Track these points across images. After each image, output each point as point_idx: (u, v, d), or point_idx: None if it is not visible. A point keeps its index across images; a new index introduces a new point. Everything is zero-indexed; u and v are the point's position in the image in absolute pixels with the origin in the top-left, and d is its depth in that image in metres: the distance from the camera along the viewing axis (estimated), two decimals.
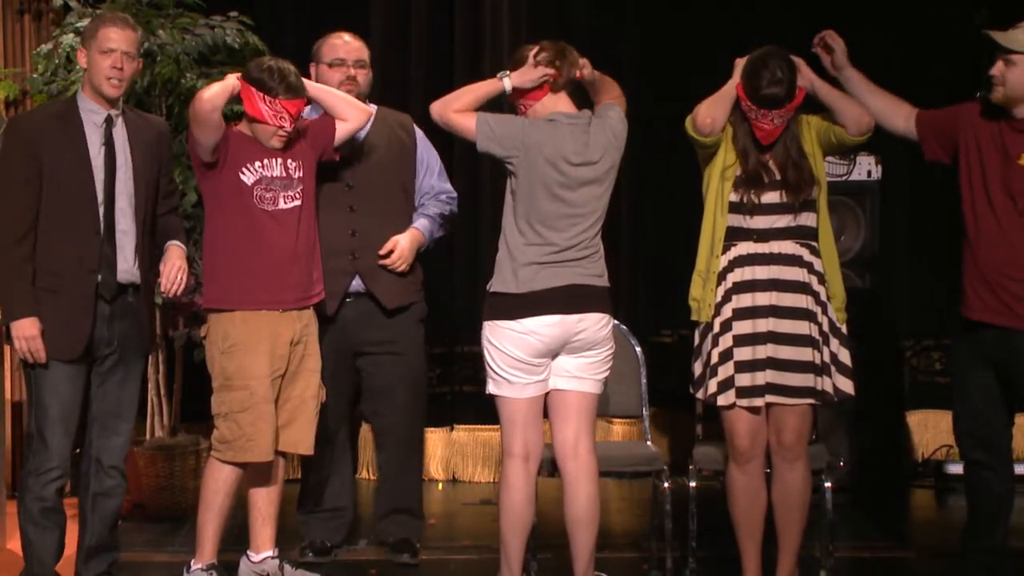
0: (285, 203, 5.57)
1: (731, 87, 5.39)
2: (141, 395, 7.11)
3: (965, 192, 5.44)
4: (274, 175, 5.56)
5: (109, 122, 5.33)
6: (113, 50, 5.31)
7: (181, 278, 5.45)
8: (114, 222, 5.32)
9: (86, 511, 5.48)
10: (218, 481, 5.58)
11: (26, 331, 5.23)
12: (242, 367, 5.51)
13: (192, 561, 5.66)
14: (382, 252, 5.97)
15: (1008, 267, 5.33)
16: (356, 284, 6.01)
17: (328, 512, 6.24)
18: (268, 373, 5.53)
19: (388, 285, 5.99)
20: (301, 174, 5.62)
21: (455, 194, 6.31)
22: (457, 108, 5.29)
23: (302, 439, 5.69)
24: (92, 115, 5.31)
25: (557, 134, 5.26)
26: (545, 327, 5.23)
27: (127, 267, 5.37)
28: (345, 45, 6.11)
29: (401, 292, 6.07)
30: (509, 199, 5.30)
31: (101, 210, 5.30)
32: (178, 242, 5.56)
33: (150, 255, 5.48)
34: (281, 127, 5.50)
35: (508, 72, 5.35)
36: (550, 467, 5.55)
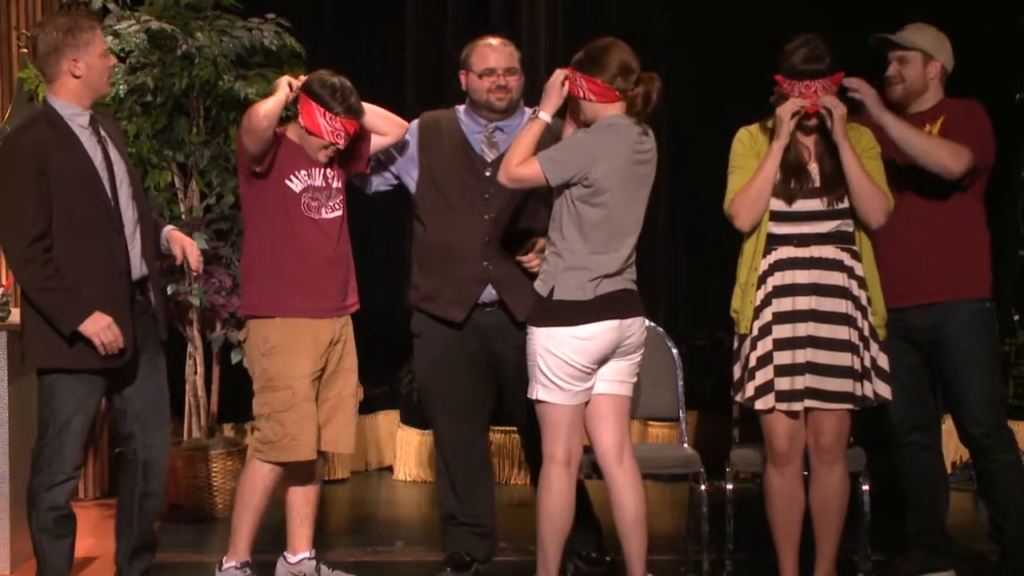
0: (327, 213, 5.60)
1: (764, 180, 5.37)
2: (179, 396, 7.20)
3: None
4: (316, 185, 5.58)
5: (94, 122, 5.28)
6: (110, 51, 5.30)
7: (199, 256, 5.44)
8: (122, 220, 5.28)
9: (133, 512, 5.45)
10: (256, 481, 5.61)
11: (99, 326, 5.11)
12: (284, 368, 5.53)
13: (225, 558, 5.69)
14: (524, 253, 5.72)
15: (910, 248, 5.64)
16: (488, 293, 5.83)
17: (467, 526, 6.03)
18: (309, 373, 5.56)
19: (522, 296, 5.62)
20: (339, 184, 5.66)
21: None
22: (517, 162, 5.25)
23: (342, 437, 5.72)
24: (77, 118, 5.23)
25: (620, 136, 5.26)
26: (606, 332, 5.24)
27: (136, 264, 5.32)
28: (494, 52, 5.84)
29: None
30: (570, 206, 5.25)
31: (113, 209, 5.25)
32: (172, 225, 5.53)
33: (154, 245, 5.44)
34: (335, 144, 5.52)
35: (536, 109, 5.31)
36: (589, 469, 5.57)
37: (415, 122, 5.99)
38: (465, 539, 6.02)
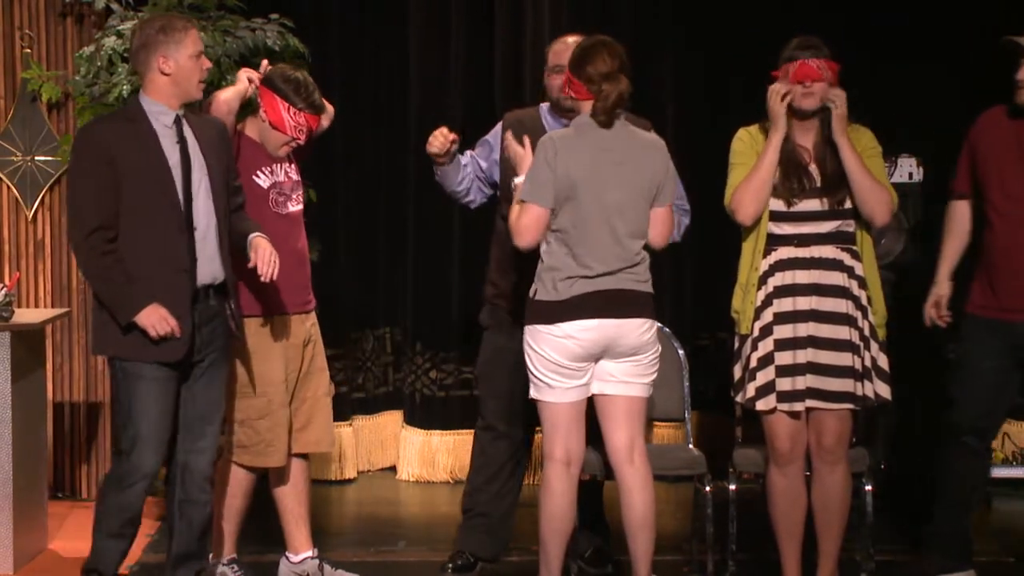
0: (292, 206, 5.67)
1: (766, 171, 5.38)
2: None
3: (989, 194, 5.65)
4: (280, 180, 5.65)
5: (179, 122, 5.29)
6: (203, 52, 5.32)
7: (275, 261, 5.31)
8: (192, 221, 5.27)
9: (173, 518, 5.42)
10: (234, 485, 5.69)
11: (154, 317, 5.13)
12: (259, 374, 5.59)
13: (210, 556, 5.70)
14: None
15: None
16: None
17: (484, 518, 6.04)
18: (283, 378, 5.61)
19: None
20: (298, 177, 5.72)
21: (688, 207, 6.01)
22: (514, 218, 5.28)
23: (323, 438, 5.79)
24: (161, 116, 5.25)
25: (583, 136, 5.28)
26: (583, 331, 5.23)
27: (207, 267, 5.29)
28: (567, 50, 5.69)
29: None
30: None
31: (182, 208, 5.25)
32: (261, 234, 5.40)
33: (231, 253, 5.41)
34: (296, 139, 5.59)
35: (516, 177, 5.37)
36: (603, 470, 5.56)
37: (499, 124, 6.04)
38: (475, 537, 6.03)
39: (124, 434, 5.27)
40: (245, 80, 5.59)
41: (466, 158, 6.03)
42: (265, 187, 5.60)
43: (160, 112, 5.26)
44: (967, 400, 5.67)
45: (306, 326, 5.71)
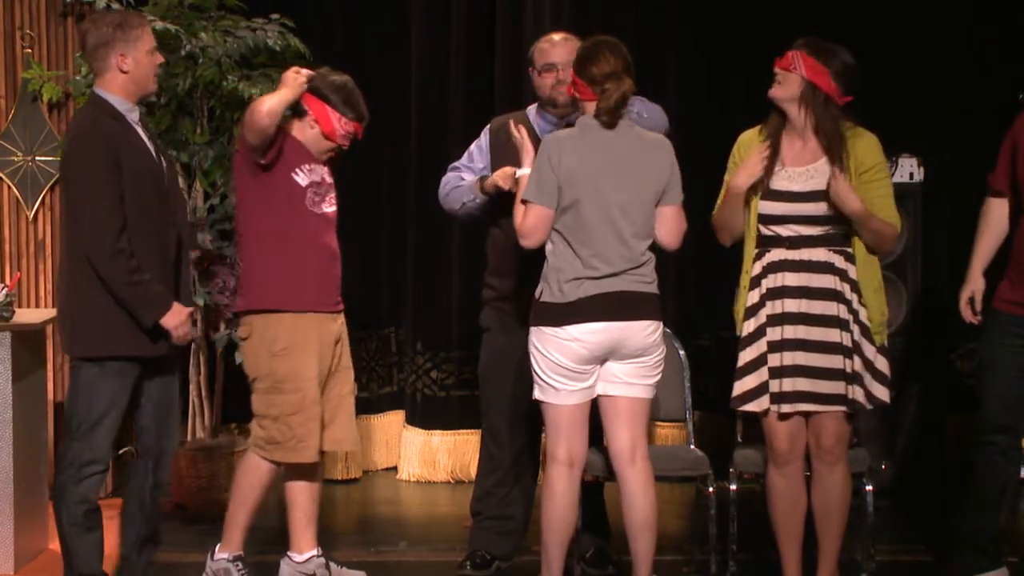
0: (327, 207, 5.67)
1: (727, 209, 5.46)
2: (183, 396, 7.20)
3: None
4: (317, 180, 5.64)
5: (143, 118, 5.33)
6: (157, 48, 5.33)
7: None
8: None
9: (144, 503, 5.46)
10: (256, 478, 5.66)
11: (179, 318, 5.23)
12: (294, 370, 5.57)
13: (218, 548, 5.72)
14: None
15: None
16: None
17: (494, 520, 6.04)
18: (317, 375, 5.61)
19: None
20: (331, 180, 5.73)
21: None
22: (519, 220, 5.29)
23: (346, 436, 5.78)
24: (130, 113, 5.28)
25: (585, 136, 5.28)
26: (589, 334, 5.22)
27: None
28: (554, 48, 5.83)
29: None
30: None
31: (169, 205, 5.31)
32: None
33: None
34: (342, 145, 5.64)
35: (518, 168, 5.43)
36: (607, 472, 5.56)
37: (485, 129, 6.06)
38: (488, 537, 6.03)
39: (83, 425, 5.25)
40: (295, 84, 5.51)
41: (466, 173, 6.01)
42: (304, 185, 5.60)
43: (128, 110, 5.28)
44: (992, 398, 5.64)
45: (337, 324, 5.71)
